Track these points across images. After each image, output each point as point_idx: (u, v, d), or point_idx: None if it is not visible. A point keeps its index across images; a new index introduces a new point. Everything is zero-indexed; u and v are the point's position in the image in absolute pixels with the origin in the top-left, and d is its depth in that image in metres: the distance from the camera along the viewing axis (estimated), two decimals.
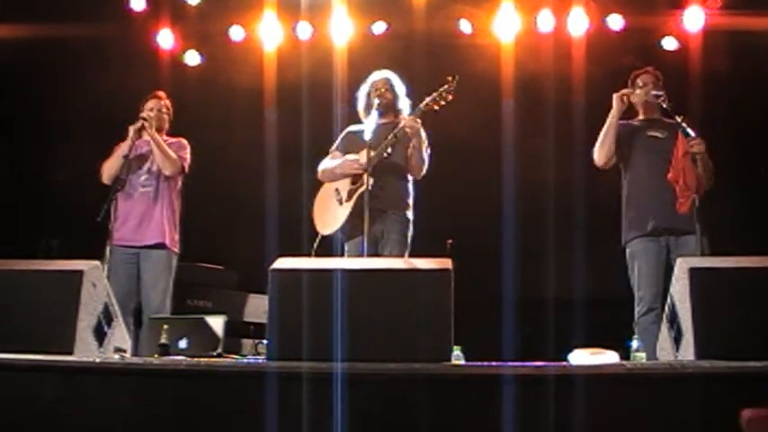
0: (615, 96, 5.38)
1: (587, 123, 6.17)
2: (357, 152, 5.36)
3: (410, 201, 5.42)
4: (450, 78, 5.24)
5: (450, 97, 5.23)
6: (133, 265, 5.52)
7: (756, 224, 6.41)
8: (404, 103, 5.53)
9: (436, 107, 5.26)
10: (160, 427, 3.51)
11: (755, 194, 6.67)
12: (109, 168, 5.49)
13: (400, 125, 5.25)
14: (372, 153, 5.10)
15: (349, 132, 5.60)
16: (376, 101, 5.35)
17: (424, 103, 5.27)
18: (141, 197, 5.58)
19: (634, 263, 5.22)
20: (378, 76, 5.57)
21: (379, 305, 3.66)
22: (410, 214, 5.39)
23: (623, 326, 5.03)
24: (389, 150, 5.29)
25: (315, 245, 5.34)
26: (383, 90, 5.46)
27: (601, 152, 5.40)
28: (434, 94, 5.25)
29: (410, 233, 5.35)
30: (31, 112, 7.17)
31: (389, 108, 5.49)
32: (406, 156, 5.35)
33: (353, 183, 5.32)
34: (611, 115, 5.37)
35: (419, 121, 5.25)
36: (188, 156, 5.76)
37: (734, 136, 6.39)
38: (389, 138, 5.26)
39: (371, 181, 5.04)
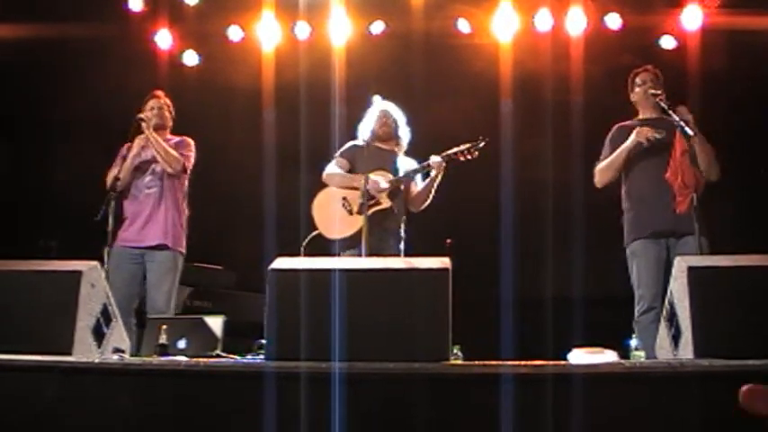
0: (635, 133, 5.32)
1: (586, 123, 6.19)
2: (362, 166, 5.56)
3: (404, 221, 5.74)
4: (480, 137, 5.50)
5: (476, 154, 5.51)
6: (139, 265, 5.54)
7: (755, 223, 6.41)
8: (404, 131, 5.83)
9: (462, 158, 5.52)
10: (159, 426, 3.51)
11: (754, 193, 6.68)
12: (112, 174, 5.50)
13: (427, 163, 5.57)
14: (393, 178, 5.57)
15: (354, 146, 5.77)
16: (405, 137, 5.81)
17: (453, 151, 5.52)
18: (146, 199, 5.61)
19: (634, 262, 5.23)
20: (384, 108, 5.79)
21: (377, 305, 3.66)
22: (403, 233, 5.70)
23: (622, 325, 5.04)
24: (406, 179, 5.65)
25: (305, 242, 5.48)
26: (391, 122, 5.78)
27: (603, 177, 5.45)
28: (463, 147, 5.50)
29: (403, 249, 5.65)
30: (31, 112, 7.18)
31: (391, 136, 5.78)
32: (408, 187, 5.75)
33: (366, 198, 5.37)
34: (624, 148, 5.34)
35: (444, 164, 5.55)
36: (191, 154, 5.78)
37: (732, 135, 6.39)
38: (410, 172, 5.63)
39: (389, 202, 5.53)
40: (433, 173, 5.58)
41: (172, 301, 5.54)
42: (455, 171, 6.45)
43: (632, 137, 5.32)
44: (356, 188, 5.50)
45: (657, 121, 5.39)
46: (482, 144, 5.49)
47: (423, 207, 5.74)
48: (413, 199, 5.73)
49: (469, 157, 5.51)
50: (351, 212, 5.53)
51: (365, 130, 5.75)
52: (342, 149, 5.78)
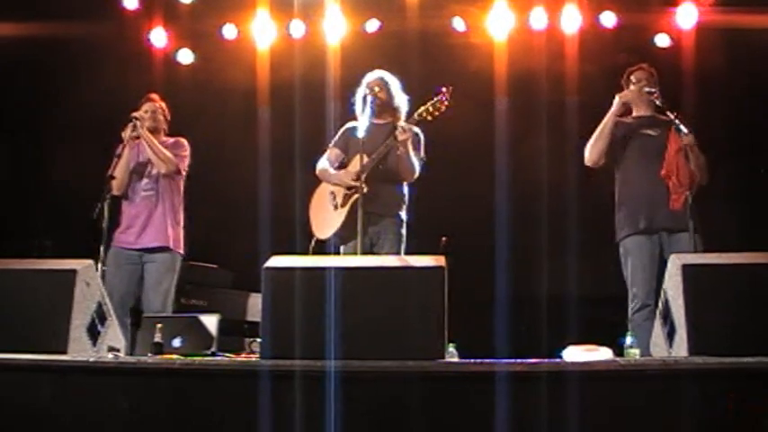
0: (617, 97, 5.37)
1: (581, 121, 6.18)
2: (355, 150, 5.33)
3: (404, 203, 5.46)
4: (444, 89, 5.25)
5: (443, 108, 5.23)
6: (137, 267, 5.56)
7: (751, 222, 6.42)
8: (400, 101, 5.53)
9: (430, 117, 5.26)
10: (154, 425, 3.51)
11: (749, 191, 6.68)
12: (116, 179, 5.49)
13: (394, 133, 5.22)
14: (366, 158, 5.13)
15: (347, 129, 5.60)
16: (369, 99, 5.35)
17: (418, 112, 5.28)
18: (143, 202, 5.62)
19: (627, 260, 5.23)
20: (371, 76, 5.57)
21: (372, 303, 3.66)
22: (404, 215, 5.42)
23: (617, 322, 5.04)
24: (382, 157, 5.28)
25: (311, 246, 5.36)
26: (377, 90, 5.46)
27: (593, 151, 5.40)
28: (429, 104, 5.25)
29: (404, 232, 5.39)
30: (25, 112, 7.16)
31: (385, 108, 5.48)
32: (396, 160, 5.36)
33: (348, 188, 5.32)
34: (608, 115, 5.36)
35: (412, 128, 5.25)
36: (185, 154, 5.78)
37: (727, 132, 6.41)
38: (383, 147, 5.27)
39: (365, 187, 5.07)
40: (401, 138, 5.16)
41: (169, 301, 5.54)
42: (450, 169, 6.45)
43: (615, 100, 5.33)
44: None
45: (652, 120, 5.40)
46: (445, 96, 5.20)
47: (413, 176, 5.37)
48: (402, 173, 5.37)
49: (437, 113, 5.23)
50: (336, 207, 5.37)
51: (358, 105, 5.53)
52: (335, 138, 5.61)
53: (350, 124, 5.60)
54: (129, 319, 5.34)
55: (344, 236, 5.30)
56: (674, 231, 5.06)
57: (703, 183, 5.17)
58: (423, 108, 5.27)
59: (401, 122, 5.28)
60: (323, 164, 5.56)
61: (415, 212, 5.58)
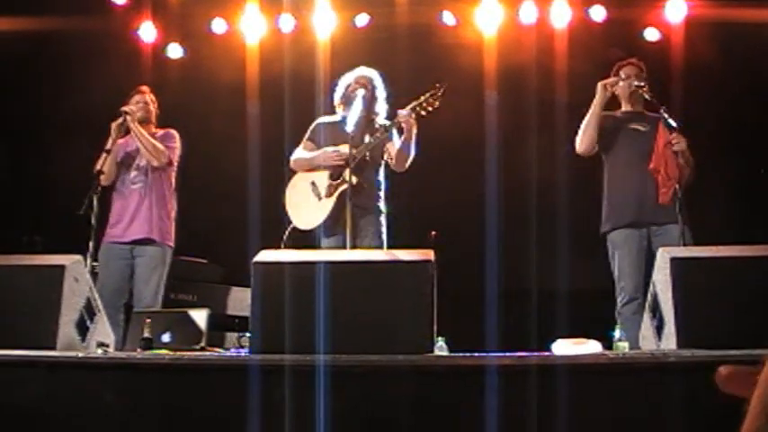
0: (599, 85, 5.39)
1: (570, 115, 6.18)
2: (334, 144, 5.33)
3: (383, 194, 5.43)
4: (437, 85, 5.22)
5: (436, 104, 5.20)
6: (128, 261, 5.52)
7: (741, 217, 6.44)
8: (381, 107, 5.52)
9: (423, 112, 5.21)
10: (144, 420, 3.51)
11: (738, 185, 6.70)
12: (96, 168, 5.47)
13: (395, 121, 5.20)
14: (354, 150, 5.09)
15: (319, 124, 5.56)
16: (361, 91, 5.33)
17: (411, 106, 5.21)
18: (132, 194, 5.60)
19: (615, 253, 5.23)
20: (363, 71, 5.56)
21: (361, 297, 3.67)
22: (383, 206, 5.39)
23: (606, 316, 5.05)
24: (371, 147, 5.27)
25: (285, 236, 5.31)
26: (368, 86, 5.46)
27: (583, 140, 5.42)
28: (421, 99, 5.20)
29: (384, 222, 5.35)
30: (13, 108, 7.13)
31: (372, 104, 5.47)
32: (382, 152, 5.37)
33: (333, 178, 5.27)
34: (594, 104, 5.37)
35: (413, 115, 5.21)
36: (176, 146, 5.76)
37: (716, 126, 6.42)
38: (373, 138, 5.25)
39: (354, 178, 5.03)
40: (411, 122, 5.13)
41: (159, 295, 5.52)
42: (439, 163, 6.44)
43: (598, 88, 5.35)
44: (320, 168, 5.32)
45: (641, 115, 5.41)
46: (441, 92, 5.18)
47: (405, 165, 5.32)
48: (395, 159, 5.32)
49: (430, 109, 5.19)
50: (320, 197, 5.30)
51: (339, 92, 5.53)
52: (307, 133, 5.56)
53: (321, 119, 5.59)
54: (123, 316, 5.36)
55: (329, 228, 5.25)
56: (662, 224, 5.08)
57: (690, 183, 5.17)
58: (416, 102, 5.21)
59: (402, 111, 5.18)
60: (298, 153, 5.51)
61: (405, 206, 5.58)
